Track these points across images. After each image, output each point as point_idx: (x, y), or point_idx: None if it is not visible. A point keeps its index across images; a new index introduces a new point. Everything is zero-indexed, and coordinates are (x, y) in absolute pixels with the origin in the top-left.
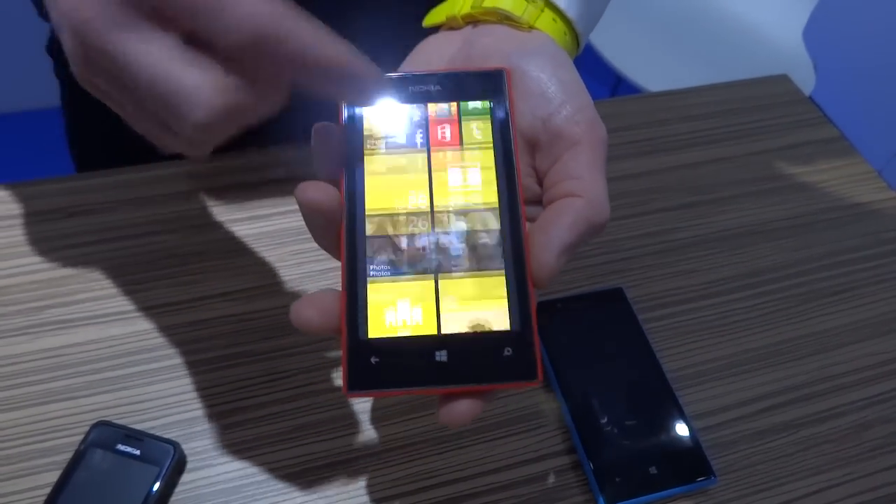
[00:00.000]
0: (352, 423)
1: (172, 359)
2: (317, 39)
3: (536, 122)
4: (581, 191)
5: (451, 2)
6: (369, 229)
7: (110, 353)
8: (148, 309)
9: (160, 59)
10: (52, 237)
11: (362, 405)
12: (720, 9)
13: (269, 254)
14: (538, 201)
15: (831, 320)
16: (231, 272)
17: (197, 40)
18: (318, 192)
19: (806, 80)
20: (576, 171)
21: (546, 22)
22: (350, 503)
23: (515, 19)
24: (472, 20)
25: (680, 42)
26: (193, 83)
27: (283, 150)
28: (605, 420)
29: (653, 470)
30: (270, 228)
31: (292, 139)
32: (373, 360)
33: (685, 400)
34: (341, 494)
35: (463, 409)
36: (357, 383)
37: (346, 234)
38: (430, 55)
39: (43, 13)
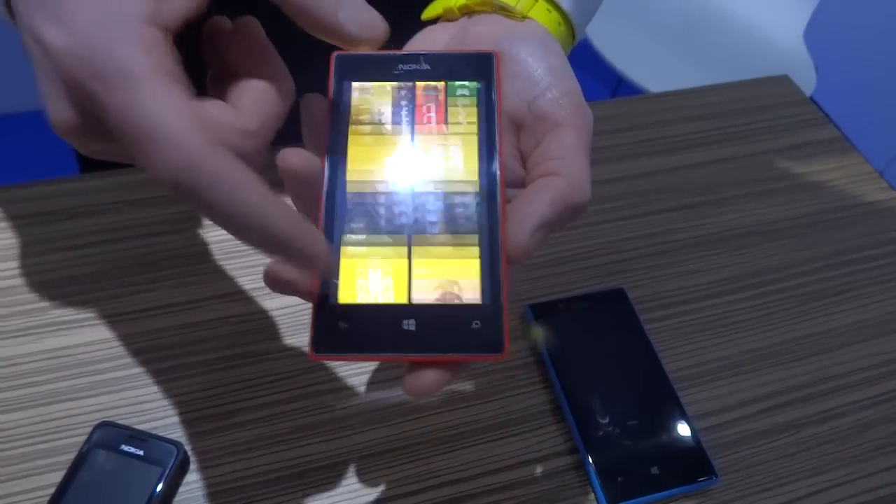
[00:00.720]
0: (353, 423)
1: (175, 359)
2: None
3: (522, 105)
4: (561, 171)
5: None
6: (348, 195)
7: (113, 354)
8: (150, 310)
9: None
10: (54, 238)
11: (363, 404)
12: (721, 9)
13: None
14: (522, 184)
15: (833, 320)
16: (233, 273)
17: None
18: (299, 158)
19: (807, 80)
20: (558, 152)
21: (540, 12)
22: (351, 503)
23: (510, 9)
24: (467, 11)
25: (681, 42)
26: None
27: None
28: (606, 420)
29: (655, 470)
30: None
31: (294, 140)
32: (341, 324)
33: (687, 400)
34: (343, 495)
35: (429, 379)
36: (323, 346)
37: (324, 198)
38: (425, 44)
39: None
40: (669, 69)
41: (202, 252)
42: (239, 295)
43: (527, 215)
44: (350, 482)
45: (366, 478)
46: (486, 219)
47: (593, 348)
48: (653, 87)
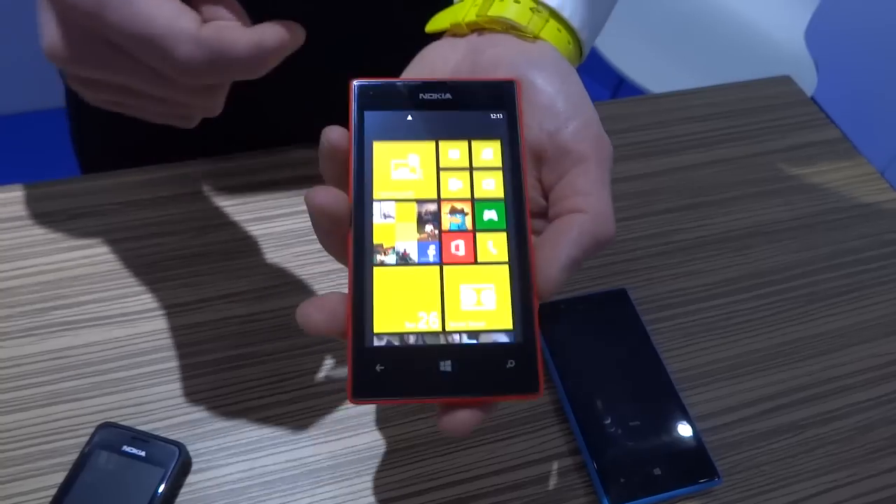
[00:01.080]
0: (356, 424)
1: (177, 360)
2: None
3: (543, 136)
4: (587, 207)
5: (455, 8)
6: (375, 230)
7: (115, 355)
8: (152, 310)
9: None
10: (56, 239)
11: (366, 407)
12: (722, 10)
13: (274, 255)
14: (542, 214)
15: (835, 321)
16: (235, 274)
17: None
18: (328, 196)
19: (808, 80)
20: (583, 187)
21: (551, 32)
22: None
23: (521, 29)
24: (476, 28)
25: (682, 43)
26: (176, 19)
27: (288, 152)
28: (609, 421)
29: (657, 471)
30: (275, 230)
31: (297, 140)
32: (378, 367)
33: (689, 401)
34: (346, 495)
35: (464, 418)
36: (362, 391)
37: (353, 238)
38: (435, 62)
39: None
40: (670, 70)
41: (205, 252)
42: (242, 295)
43: (557, 254)
44: (353, 483)
45: (369, 478)
46: (515, 256)
47: (596, 349)
48: (654, 87)
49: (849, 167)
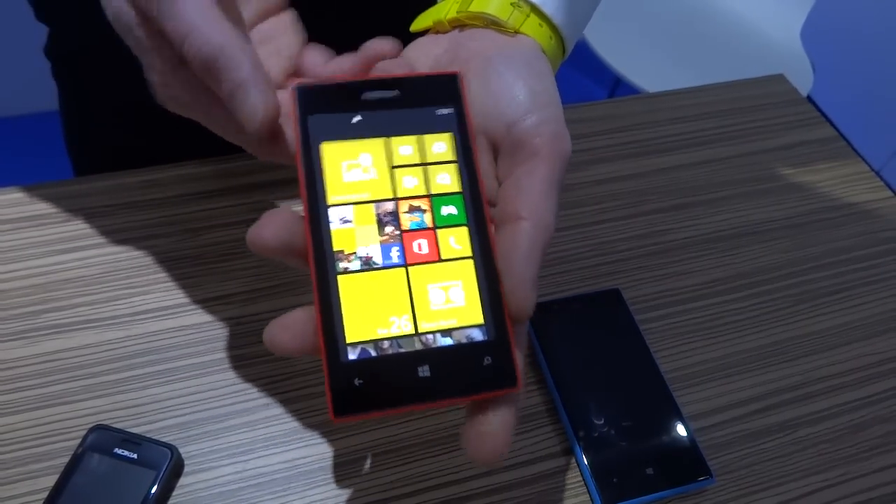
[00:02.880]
0: (347, 426)
1: (169, 362)
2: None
3: (500, 126)
4: (528, 212)
5: (438, 7)
6: (333, 234)
7: (107, 357)
8: (144, 313)
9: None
10: (49, 241)
11: None
12: (718, 9)
13: (265, 260)
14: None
15: (826, 321)
16: (227, 276)
17: None
18: (270, 234)
19: (804, 79)
20: (528, 186)
21: (532, 27)
22: None
23: (501, 24)
24: (458, 24)
25: (678, 42)
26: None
27: None
28: (601, 421)
29: (650, 471)
30: None
31: None
32: (356, 382)
33: (682, 400)
34: (336, 497)
35: (494, 444)
36: (343, 408)
37: (313, 247)
38: (418, 56)
39: (41, 16)
40: (667, 69)
41: (197, 255)
42: (234, 297)
43: (518, 281)
44: (344, 484)
45: (359, 480)
46: (478, 249)
47: (589, 349)
48: (650, 87)
49: (842, 166)
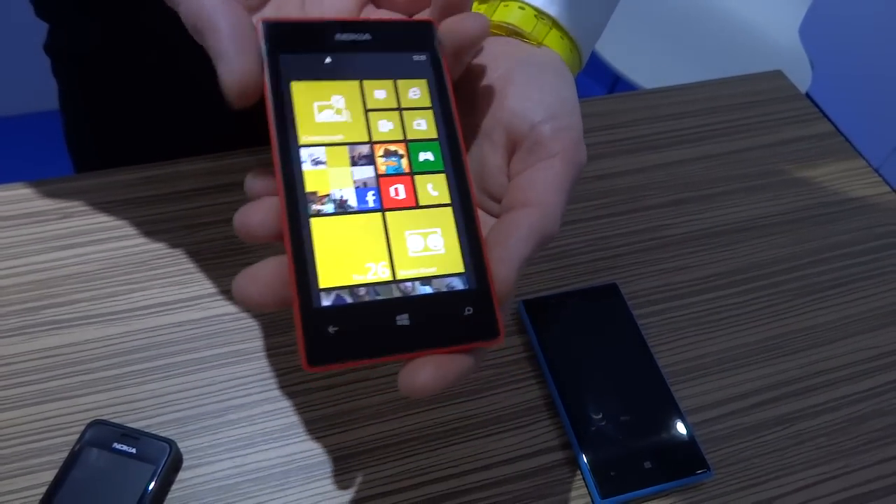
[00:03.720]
0: (345, 420)
1: (167, 358)
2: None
3: (525, 125)
4: (537, 201)
5: None
6: (309, 184)
7: (106, 353)
8: (142, 308)
9: None
10: (48, 238)
11: (356, 401)
12: (717, 7)
13: (262, 253)
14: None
15: (824, 315)
16: (225, 271)
17: None
18: (260, 214)
19: (803, 76)
20: (541, 181)
21: (554, 40)
22: (344, 499)
23: (526, 35)
24: None
25: (677, 40)
26: None
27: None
28: (599, 415)
29: (648, 464)
30: None
31: None
32: (331, 329)
33: (680, 395)
34: (335, 491)
35: (426, 378)
36: (317, 357)
37: (284, 188)
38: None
39: (41, 13)
40: (666, 67)
41: (194, 251)
42: (231, 293)
43: (509, 253)
44: (342, 478)
45: (357, 474)
46: (457, 197)
47: (586, 344)
48: (649, 84)
49: (840, 161)
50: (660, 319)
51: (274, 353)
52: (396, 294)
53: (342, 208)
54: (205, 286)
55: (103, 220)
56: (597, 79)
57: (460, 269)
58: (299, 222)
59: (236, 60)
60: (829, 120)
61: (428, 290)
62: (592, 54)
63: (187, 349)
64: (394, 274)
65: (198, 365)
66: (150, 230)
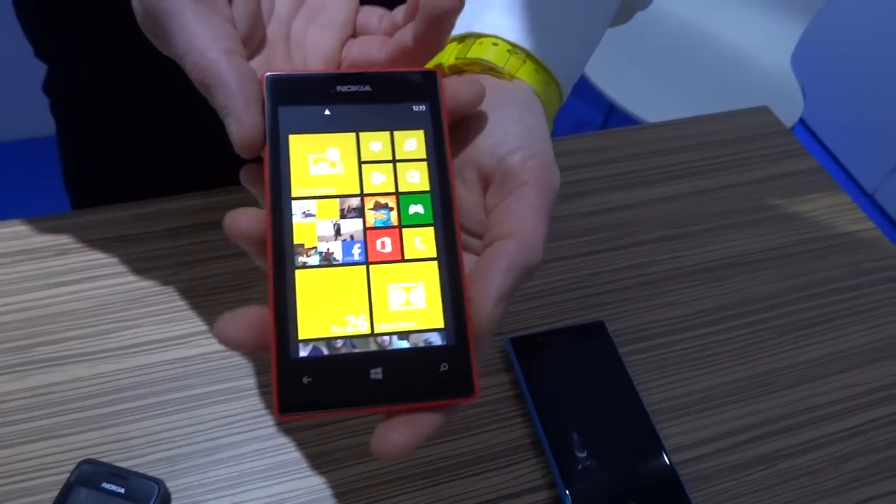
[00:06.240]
0: (332, 459)
1: (158, 396)
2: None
3: (493, 160)
4: (516, 232)
5: (438, 55)
6: (297, 236)
7: (97, 391)
8: (134, 346)
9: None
10: (44, 275)
11: (342, 440)
12: (709, 37)
13: (254, 291)
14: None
15: (810, 352)
16: (217, 308)
17: None
18: (252, 220)
19: (794, 105)
20: (517, 211)
21: (528, 72)
22: None
23: (498, 70)
24: (457, 70)
25: (671, 70)
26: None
27: None
28: (584, 454)
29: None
30: (254, 266)
31: None
32: (305, 379)
33: (664, 433)
34: None
35: (397, 442)
36: (289, 405)
37: (272, 239)
38: None
39: (40, 54)
40: (660, 96)
41: (187, 288)
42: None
43: (488, 288)
44: None
45: None
46: (444, 252)
47: (573, 382)
48: (644, 113)
49: (825, 197)
50: (647, 357)
51: (263, 391)
52: (373, 347)
53: (327, 261)
54: (196, 324)
55: (97, 257)
56: (594, 106)
57: (440, 324)
58: (284, 274)
59: (245, 115)
60: (823, 146)
61: (405, 344)
62: (588, 83)
63: (178, 387)
64: (372, 327)
65: (188, 403)
66: (143, 267)
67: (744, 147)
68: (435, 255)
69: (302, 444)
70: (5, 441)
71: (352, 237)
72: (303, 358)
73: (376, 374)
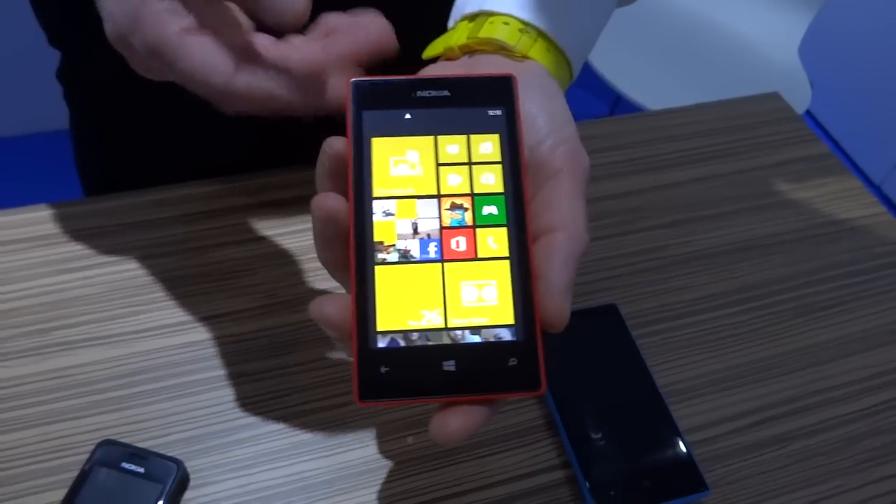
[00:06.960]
0: (349, 440)
1: (175, 378)
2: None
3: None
4: (562, 224)
5: (448, 34)
6: (377, 234)
7: (114, 374)
8: (150, 329)
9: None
10: (58, 260)
11: (360, 421)
12: (717, 27)
13: (269, 274)
14: None
15: (821, 335)
16: (231, 293)
17: None
18: (337, 202)
19: (802, 95)
20: (556, 201)
21: (539, 51)
22: None
23: (510, 49)
24: (468, 50)
25: (678, 60)
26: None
27: (283, 173)
28: (599, 435)
29: (646, 483)
30: (269, 250)
31: (295, 162)
32: (383, 369)
33: (678, 414)
34: None
35: (456, 426)
36: (368, 393)
37: (354, 236)
38: None
39: (54, 42)
40: (667, 86)
41: (200, 273)
42: (239, 314)
43: (552, 287)
44: (347, 498)
45: (362, 493)
46: (515, 251)
47: (586, 364)
48: (650, 103)
49: (836, 182)
50: (659, 339)
51: (280, 373)
52: (446, 341)
53: (405, 258)
54: (211, 308)
55: (112, 242)
56: (600, 97)
57: (510, 320)
58: (365, 269)
59: None
60: (830, 137)
61: (477, 339)
62: (594, 73)
63: (194, 370)
64: (446, 322)
65: (204, 385)
66: (158, 252)
67: (754, 133)
68: (507, 254)
69: (317, 426)
70: (26, 422)
71: (428, 236)
72: (381, 348)
73: (449, 365)
